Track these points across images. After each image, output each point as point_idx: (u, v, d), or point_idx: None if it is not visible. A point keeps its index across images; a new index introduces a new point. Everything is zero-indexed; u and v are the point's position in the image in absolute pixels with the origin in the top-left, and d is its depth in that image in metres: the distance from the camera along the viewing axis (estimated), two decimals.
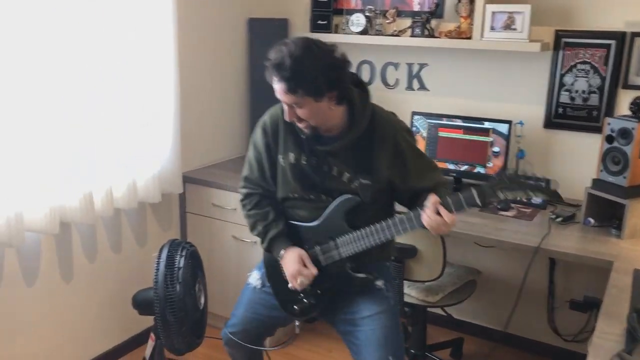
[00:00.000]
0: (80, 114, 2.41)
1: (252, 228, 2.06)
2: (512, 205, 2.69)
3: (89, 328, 2.78)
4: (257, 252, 2.13)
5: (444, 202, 1.72)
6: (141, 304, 2.65)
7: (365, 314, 1.95)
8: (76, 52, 2.36)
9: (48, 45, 2.25)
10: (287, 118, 1.82)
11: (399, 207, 2.00)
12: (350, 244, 1.90)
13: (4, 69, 2.12)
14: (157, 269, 2.54)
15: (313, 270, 1.93)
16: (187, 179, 3.09)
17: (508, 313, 3.04)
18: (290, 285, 1.97)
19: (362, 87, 1.90)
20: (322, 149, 1.89)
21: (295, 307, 2.03)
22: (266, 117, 1.99)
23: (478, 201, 1.72)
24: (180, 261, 2.56)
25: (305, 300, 2.00)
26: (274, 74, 1.73)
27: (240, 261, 3.05)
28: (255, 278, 2.16)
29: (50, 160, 2.33)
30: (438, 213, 1.71)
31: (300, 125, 1.83)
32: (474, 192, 1.72)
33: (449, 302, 2.61)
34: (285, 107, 1.81)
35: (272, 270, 2.07)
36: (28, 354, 2.50)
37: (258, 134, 2.00)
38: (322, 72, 1.71)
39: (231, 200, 2.96)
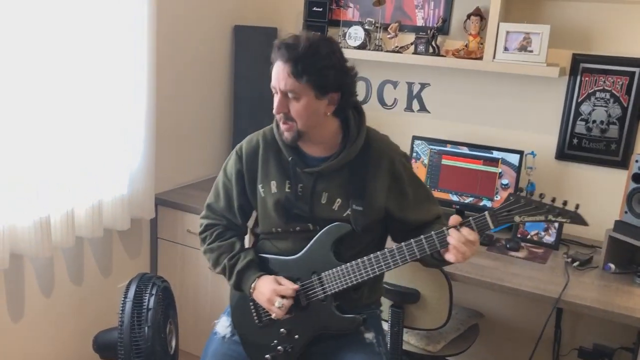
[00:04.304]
0: (37, 128, 2.06)
1: (215, 263, 1.79)
2: (522, 244, 2.44)
3: None
4: None
5: (466, 223, 1.53)
6: (104, 347, 2.32)
7: None
8: (38, 58, 2.02)
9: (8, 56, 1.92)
10: (275, 111, 1.60)
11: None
12: (338, 279, 1.65)
13: None
14: (123, 309, 2.22)
15: (291, 285, 1.65)
16: (159, 202, 2.76)
17: (510, 358, 2.80)
18: (269, 318, 1.70)
19: (357, 109, 1.74)
20: (310, 171, 1.67)
21: (267, 356, 1.74)
22: (243, 143, 1.79)
23: (491, 224, 1.51)
24: (150, 301, 2.24)
25: (279, 348, 1.72)
26: (281, 53, 1.55)
27: (216, 295, 2.73)
28: (223, 326, 1.86)
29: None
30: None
31: (284, 127, 1.62)
32: (487, 215, 1.51)
33: (452, 351, 2.34)
34: (278, 98, 1.59)
35: (240, 312, 1.80)
36: None
37: (231, 160, 1.80)
38: (335, 67, 1.57)
39: None
